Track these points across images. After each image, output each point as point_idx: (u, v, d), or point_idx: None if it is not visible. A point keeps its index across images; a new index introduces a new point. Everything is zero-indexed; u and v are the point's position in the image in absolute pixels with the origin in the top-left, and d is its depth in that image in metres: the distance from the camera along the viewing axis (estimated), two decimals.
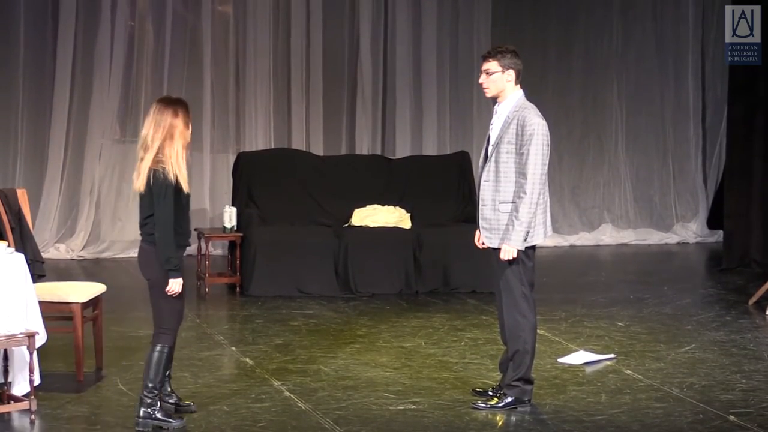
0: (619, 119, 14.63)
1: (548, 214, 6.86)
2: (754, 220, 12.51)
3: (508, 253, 6.68)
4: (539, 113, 6.75)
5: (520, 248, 6.68)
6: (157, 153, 6.25)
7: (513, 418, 6.69)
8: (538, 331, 7.28)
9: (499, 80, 6.79)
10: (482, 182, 6.80)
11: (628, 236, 14.63)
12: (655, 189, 14.74)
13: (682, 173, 14.80)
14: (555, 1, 14.37)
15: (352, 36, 13.75)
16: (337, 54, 13.70)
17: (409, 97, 13.89)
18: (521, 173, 6.65)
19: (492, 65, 6.79)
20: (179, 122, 6.30)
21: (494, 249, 6.79)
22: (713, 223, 14.51)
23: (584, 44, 14.47)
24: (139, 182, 6.30)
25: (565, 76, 14.24)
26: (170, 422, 6.38)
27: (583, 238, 14.37)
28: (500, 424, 6.63)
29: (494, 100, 6.85)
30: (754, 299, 10.27)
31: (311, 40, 13.58)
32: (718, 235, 14.10)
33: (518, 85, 6.82)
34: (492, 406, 6.83)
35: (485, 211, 6.78)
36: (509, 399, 6.84)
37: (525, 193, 6.63)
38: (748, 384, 7.46)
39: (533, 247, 6.81)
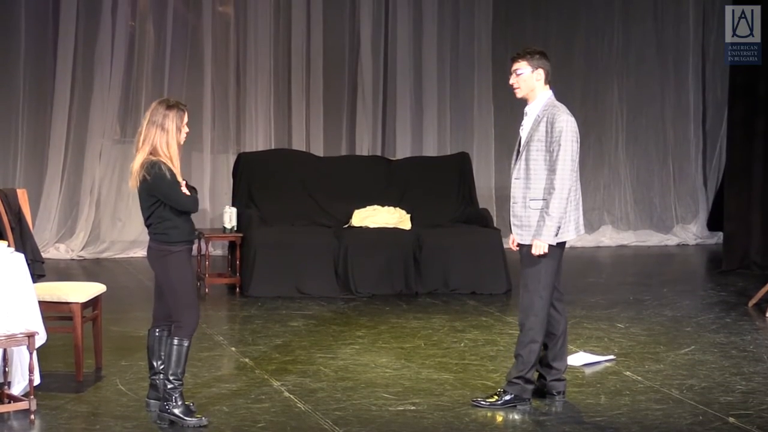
0: (620, 121, 14.64)
1: (581, 212, 6.86)
2: (754, 221, 12.50)
3: (539, 248, 6.69)
4: (568, 111, 6.79)
5: (551, 243, 6.69)
6: (149, 154, 6.33)
7: (512, 419, 6.69)
8: None
9: (529, 80, 6.84)
10: (513, 180, 6.83)
11: (628, 238, 14.63)
12: (655, 191, 14.74)
13: (683, 175, 14.80)
14: (556, 1, 14.37)
15: (353, 36, 13.75)
16: (337, 54, 13.70)
17: (410, 98, 13.89)
18: (551, 170, 6.67)
19: (522, 65, 6.84)
20: (171, 125, 6.36)
21: (523, 246, 6.81)
22: (713, 224, 14.51)
23: (585, 45, 14.48)
24: (131, 181, 6.45)
25: (565, 78, 14.20)
26: (186, 420, 6.40)
27: (582, 240, 14.34)
28: (499, 420, 6.62)
29: (524, 102, 6.92)
30: (753, 301, 10.26)
31: (312, 41, 13.58)
32: (718, 237, 14.10)
33: (547, 86, 6.88)
34: (491, 404, 6.84)
35: (516, 208, 6.81)
36: (509, 396, 6.85)
37: (555, 188, 6.65)
38: (747, 386, 7.45)
39: (562, 246, 6.82)
